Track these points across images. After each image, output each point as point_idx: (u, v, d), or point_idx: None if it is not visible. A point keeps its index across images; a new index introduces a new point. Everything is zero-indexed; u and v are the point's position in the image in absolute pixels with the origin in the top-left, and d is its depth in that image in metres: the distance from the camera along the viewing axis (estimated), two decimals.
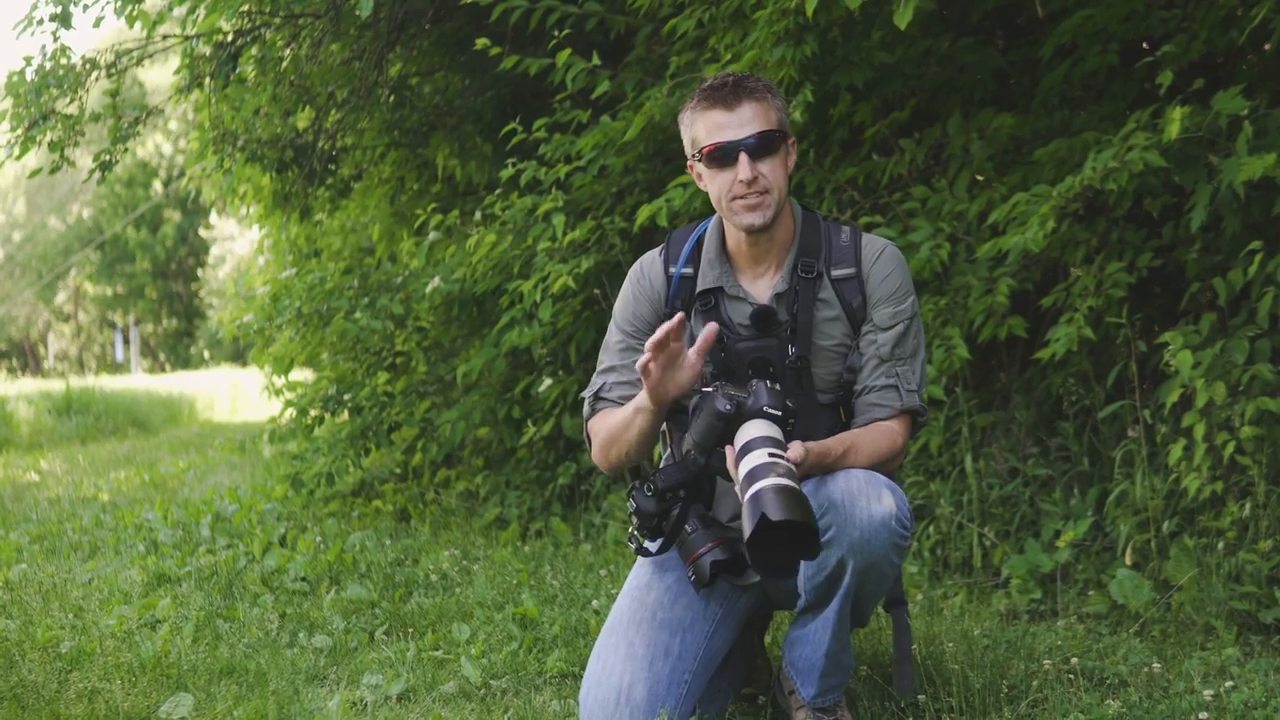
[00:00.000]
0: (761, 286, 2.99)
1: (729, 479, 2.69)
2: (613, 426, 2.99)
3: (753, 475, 2.45)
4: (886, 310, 2.95)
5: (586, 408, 3.13)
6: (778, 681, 3.18)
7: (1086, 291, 4.28)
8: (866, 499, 2.68)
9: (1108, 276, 4.26)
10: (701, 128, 2.87)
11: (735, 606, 3.10)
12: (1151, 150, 3.83)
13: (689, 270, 3.03)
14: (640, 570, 3.16)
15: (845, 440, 2.83)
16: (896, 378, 2.93)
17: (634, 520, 3.02)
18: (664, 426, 3.14)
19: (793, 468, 2.51)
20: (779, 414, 2.65)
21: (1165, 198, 4.31)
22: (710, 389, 2.72)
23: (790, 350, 2.93)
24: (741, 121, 2.82)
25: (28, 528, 6.87)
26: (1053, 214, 4.04)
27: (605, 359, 3.13)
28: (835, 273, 2.96)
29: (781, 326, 2.93)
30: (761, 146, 2.82)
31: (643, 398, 2.84)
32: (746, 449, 2.55)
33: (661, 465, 3.13)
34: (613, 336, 3.13)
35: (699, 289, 3.02)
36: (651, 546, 3.06)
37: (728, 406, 2.66)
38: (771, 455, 2.50)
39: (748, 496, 2.41)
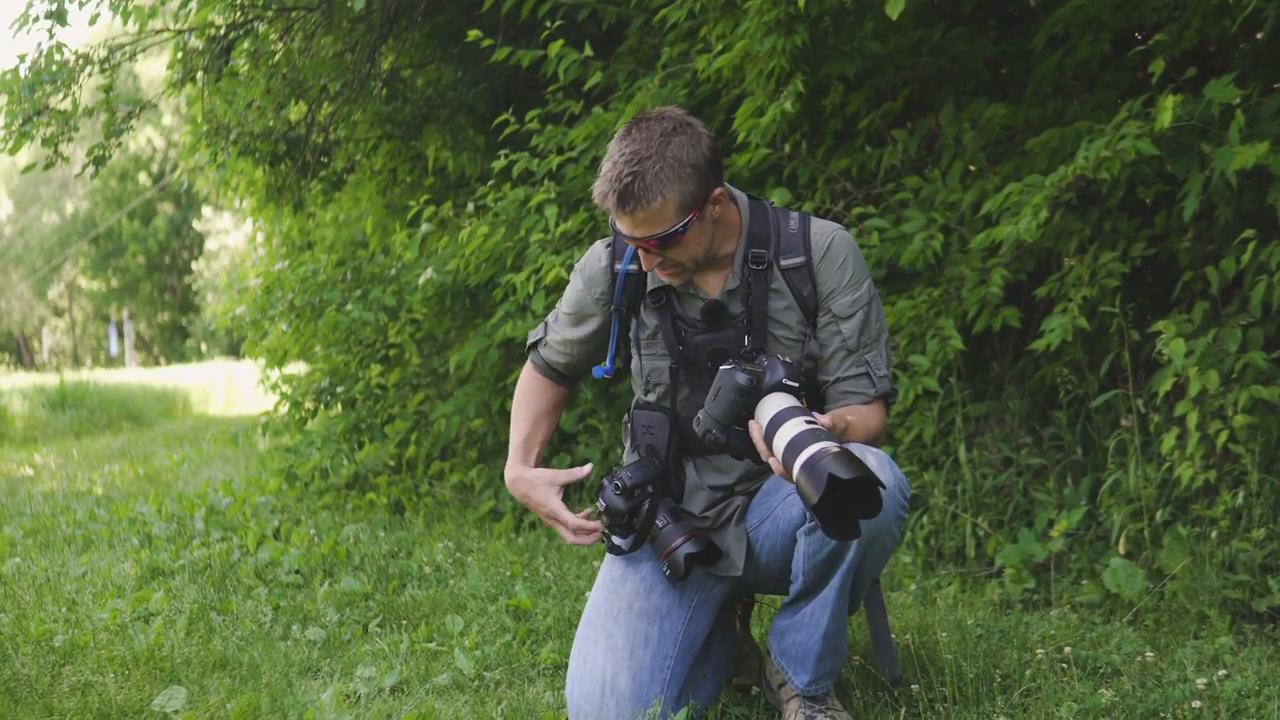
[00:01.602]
0: (712, 281, 2.98)
1: (745, 456, 2.70)
2: (514, 411, 3.28)
3: (797, 444, 2.44)
4: (845, 299, 2.94)
5: (531, 340, 3.28)
6: (767, 680, 3.19)
7: (1080, 282, 4.28)
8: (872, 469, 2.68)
9: (1101, 266, 4.26)
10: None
11: (711, 593, 3.12)
12: (1144, 139, 3.82)
13: (635, 267, 3.03)
14: (613, 563, 3.17)
15: (844, 416, 2.83)
16: (867, 365, 2.95)
17: (604, 519, 3.06)
18: (626, 420, 3.21)
19: (828, 432, 2.52)
20: (796, 385, 2.68)
21: (1158, 186, 4.31)
22: (728, 366, 2.72)
23: (746, 341, 2.94)
24: (634, 225, 2.74)
25: (22, 522, 6.86)
26: (1046, 204, 4.04)
27: (557, 311, 3.24)
28: (784, 262, 2.94)
29: (735, 319, 2.94)
30: (661, 245, 2.78)
31: (510, 457, 3.18)
32: (778, 421, 2.55)
33: (625, 462, 3.14)
34: (564, 303, 3.20)
35: (650, 287, 3.02)
36: (623, 544, 3.07)
37: (748, 381, 2.67)
38: (809, 423, 2.50)
39: (801, 463, 2.39)
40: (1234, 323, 3.94)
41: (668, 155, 2.69)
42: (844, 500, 2.39)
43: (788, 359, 2.75)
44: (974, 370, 5.11)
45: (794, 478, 2.43)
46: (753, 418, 2.67)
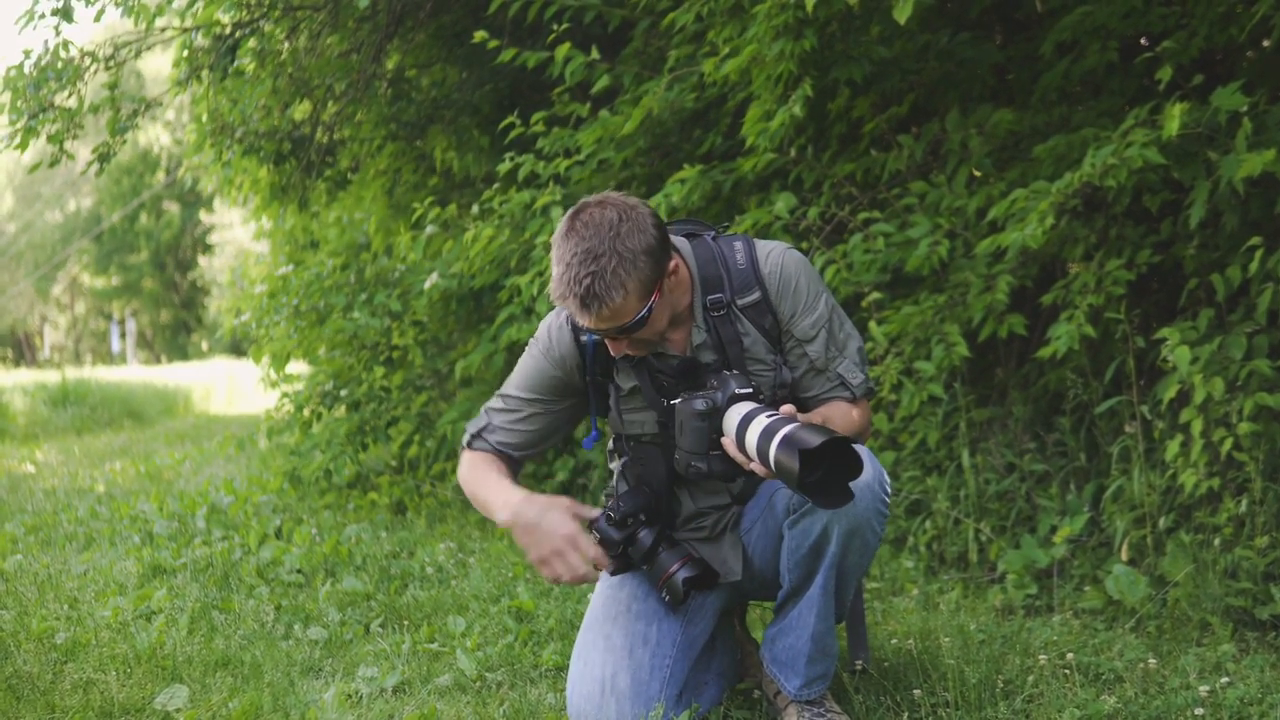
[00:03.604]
0: (678, 338, 2.92)
1: (734, 476, 2.71)
2: (477, 494, 3.04)
3: (766, 435, 2.46)
4: (806, 322, 2.91)
5: (466, 437, 3.12)
6: (764, 691, 3.20)
7: (1086, 289, 4.28)
8: None
9: (1107, 274, 4.25)
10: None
11: (708, 599, 3.13)
12: (1150, 147, 3.82)
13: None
14: None
15: (821, 414, 2.86)
16: (839, 377, 2.95)
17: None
18: (610, 449, 3.20)
19: (793, 417, 2.53)
20: (751, 391, 2.70)
21: (1165, 194, 4.31)
22: (680, 400, 2.75)
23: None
24: (598, 321, 2.67)
25: (23, 519, 6.86)
26: (1052, 211, 4.04)
27: (501, 395, 3.10)
28: (741, 301, 2.90)
29: (711, 365, 2.90)
30: (626, 332, 2.73)
31: (502, 494, 2.93)
32: (744, 424, 2.56)
33: (616, 493, 3.15)
34: (518, 385, 3.07)
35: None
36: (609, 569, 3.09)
37: (704, 404, 2.69)
38: (770, 416, 2.52)
39: (775, 447, 2.41)
40: (1239, 330, 3.94)
41: (620, 249, 2.60)
42: (827, 474, 2.40)
43: (736, 371, 2.78)
44: (978, 375, 5.11)
45: (772, 465, 2.44)
46: (723, 436, 2.68)
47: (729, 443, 2.64)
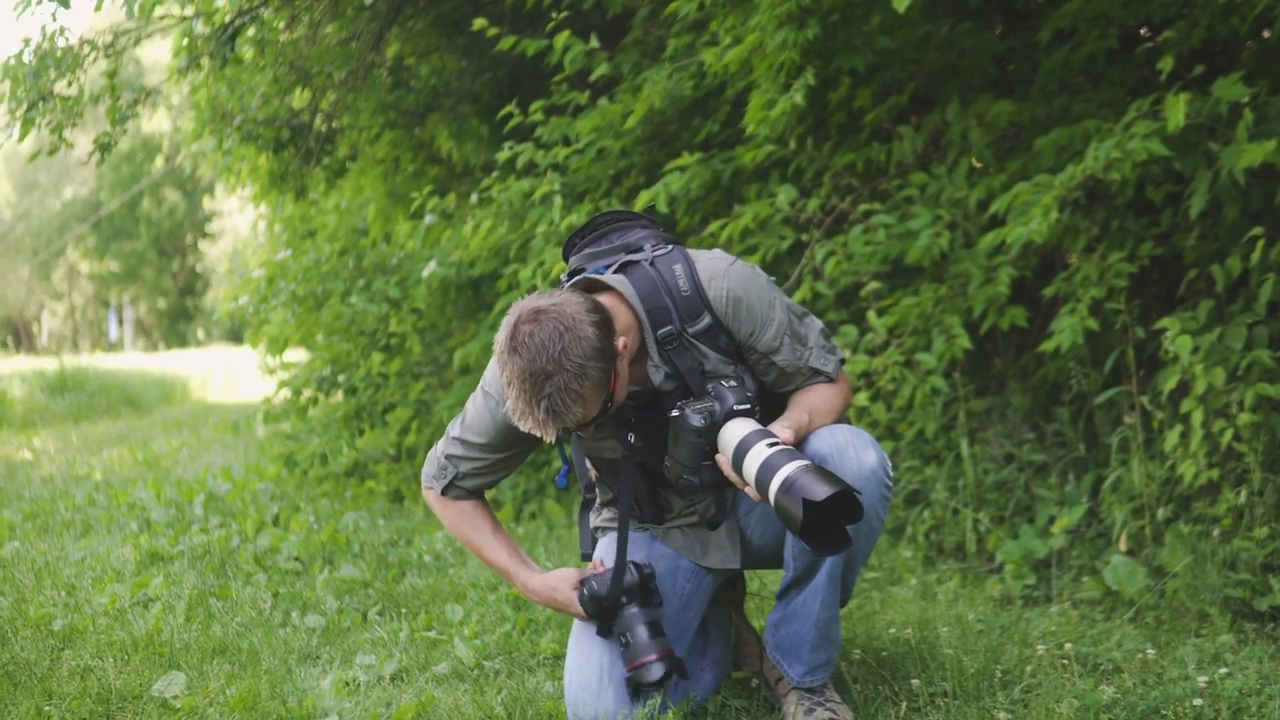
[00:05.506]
0: (637, 374, 2.87)
1: (724, 485, 2.71)
2: (471, 544, 3.16)
3: (767, 468, 2.46)
4: (766, 336, 2.85)
5: (438, 486, 3.11)
6: (764, 676, 3.19)
7: (1089, 282, 4.27)
8: (855, 449, 2.72)
9: (1109, 267, 4.24)
10: None
11: (703, 581, 3.14)
12: (1153, 139, 3.81)
13: None
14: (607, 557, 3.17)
15: (805, 405, 2.85)
16: (812, 369, 2.92)
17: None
18: (589, 468, 3.18)
19: (794, 449, 2.53)
20: (748, 407, 2.69)
21: (1168, 186, 4.30)
22: (677, 413, 2.72)
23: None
24: (564, 428, 2.62)
25: (21, 506, 6.86)
26: (1055, 205, 4.03)
27: (460, 441, 3.04)
28: (693, 329, 2.83)
29: (672, 393, 2.85)
30: (592, 423, 2.71)
31: (517, 574, 3.09)
32: (743, 448, 2.55)
33: (597, 560, 3.11)
34: (479, 433, 3.00)
35: None
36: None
37: (702, 421, 2.67)
38: (771, 445, 2.51)
39: (775, 489, 2.42)
40: (1239, 321, 3.93)
41: (567, 364, 2.54)
42: (825, 514, 2.40)
43: (734, 383, 2.74)
44: (977, 365, 5.10)
45: (771, 503, 2.44)
46: (718, 451, 2.67)
47: (724, 461, 2.64)
